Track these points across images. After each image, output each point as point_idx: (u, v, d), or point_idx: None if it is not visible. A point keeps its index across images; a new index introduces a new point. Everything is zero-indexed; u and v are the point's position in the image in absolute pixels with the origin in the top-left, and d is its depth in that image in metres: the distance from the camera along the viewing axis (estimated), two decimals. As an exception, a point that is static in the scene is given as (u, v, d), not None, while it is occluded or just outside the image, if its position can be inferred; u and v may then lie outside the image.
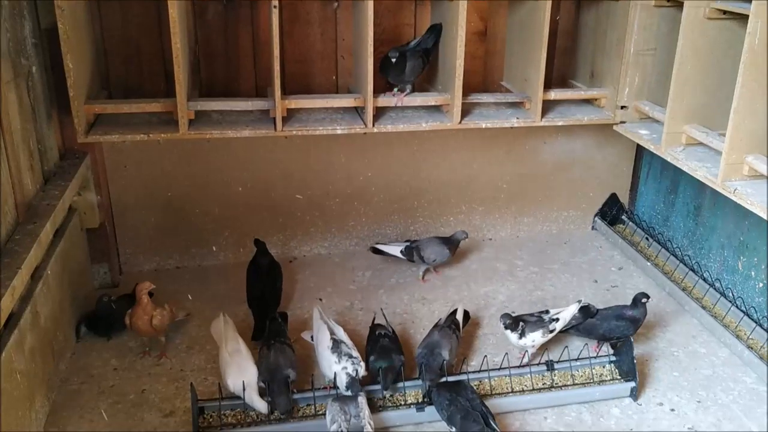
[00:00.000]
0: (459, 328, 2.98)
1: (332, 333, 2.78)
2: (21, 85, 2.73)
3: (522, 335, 2.89)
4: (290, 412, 2.63)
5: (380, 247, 3.74)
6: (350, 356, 2.66)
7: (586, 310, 3.03)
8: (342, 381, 2.59)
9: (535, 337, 2.89)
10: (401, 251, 3.64)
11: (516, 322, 2.90)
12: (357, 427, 2.40)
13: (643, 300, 3.03)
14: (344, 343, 2.74)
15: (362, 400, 2.52)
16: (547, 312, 3.01)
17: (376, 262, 3.84)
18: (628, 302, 3.07)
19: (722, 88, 2.87)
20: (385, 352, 2.77)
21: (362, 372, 2.64)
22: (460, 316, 3.04)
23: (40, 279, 2.64)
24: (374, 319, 3.07)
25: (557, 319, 2.95)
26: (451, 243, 3.62)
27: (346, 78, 3.64)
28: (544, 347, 2.99)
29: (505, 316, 2.92)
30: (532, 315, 2.99)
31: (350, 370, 2.61)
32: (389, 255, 3.71)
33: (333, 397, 2.56)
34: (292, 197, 3.76)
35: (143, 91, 3.38)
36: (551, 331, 2.92)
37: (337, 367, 2.62)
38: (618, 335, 2.98)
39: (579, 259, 3.94)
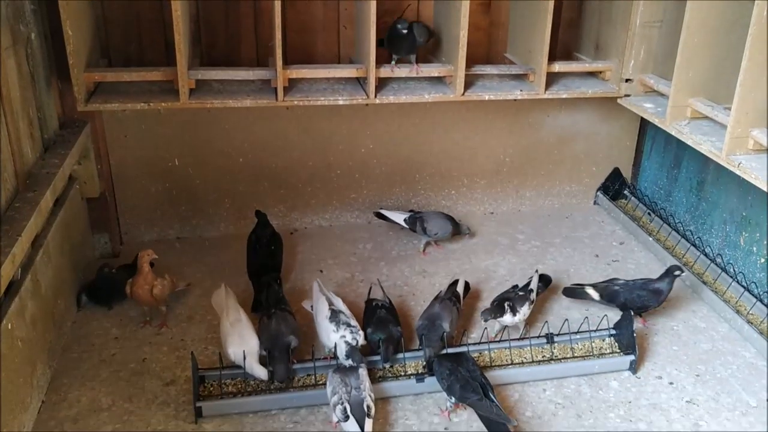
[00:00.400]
0: (459, 300, 2.98)
1: (330, 303, 2.78)
2: (20, 52, 2.70)
3: (515, 312, 2.88)
4: (289, 380, 2.64)
5: (384, 212, 3.74)
6: (349, 325, 2.66)
7: (544, 278, 3.17)
8: (341, 350, 2.59)
9: (526, 311, 2.91)
10: (405, 219, 3.64)
11: (500, 306, 2.88)
12: (357, 399, 2.41)
13: (676, 273, 3.03)
14: (342, 312, 2.74)
15: (363, 371, 2.53)
16: (516, 286, 3.04)
17: (377, 234, 3.83)
18: (629, 277, 3.07)
19: (729, 61, 2.84)
20: (382, 323, 2.78)
21: (361, 341, 2.65)
22: (460, 288, 3.04)
23: (41, 248, 2.64)
24: (370, 291, 3.07)
25: (531, 290, 2.99)
26: (455, 223, 3.62)
27: (348, 49, 3.61)
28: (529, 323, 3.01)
29: (485, 312, 2.87)
30: (508, 292, 3.00)
31: (349, 338, 2.61)
32: (392, 221, 3.71)
33: (334, 368, 2.57)
34: (293, 169, 3.74)
35: (143, 60, 3.35)
36: (532, 302, 2.96)
37: (336, 336, 2.63)
38: (639, 306, 3.01)
39: (580, 233, 3.93)
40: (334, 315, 2.71)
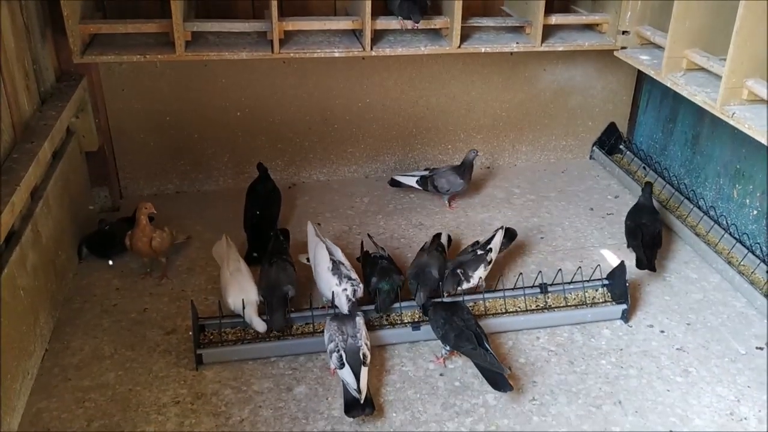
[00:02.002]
0: (445, 251, 3.02)
1: (331, 254, 2.82)
2: (13, 3, 2.69)
3: (467, 280, 2.86)
4: (286, 328, 2.69)
5: (398, 178, 3.76)
6: (350, 278, 2.70)
7: (509, 233, 3.15)
8: (342, 303, 2.64)
9: (481, 274, 2.89)
10: (416, 181, 3.67)
11: (455, 275, 2.84)
12: (353, 347, 2.46)
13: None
14: (343, 264, 2.78)
15: (360, 320, 2.58)
16: (477, 243, 3.03)
17: (374, 188, 3.86)
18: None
19: (725, 12, 2.83)
20: (386, 273, 2.81)
21: (360, 294, 2.70)
22: (444, 241, 3.08)
23: (40, 199, 2.67)
24: (362, 244, 3.11)
25: (490, 249, 2.95)
26: (464, 170, 3.60)
27: (344, 1, 3.58)
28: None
29: (447, 285, 2.83)
30: (466, 253, 2.99)
31: (350, 292, 2.66)
32: (407, 186, 3.74)
33: (331, 316, 2.62)
34: (290, 123, 3.75)
35: (138, 12, 3.32)
36: (489, 262, 2.93)
37: (338, 288, 2.67)
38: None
39: (576, 187, 3.95)
40: (336, 267, 2.74)
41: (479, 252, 2.95)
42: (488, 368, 2.48)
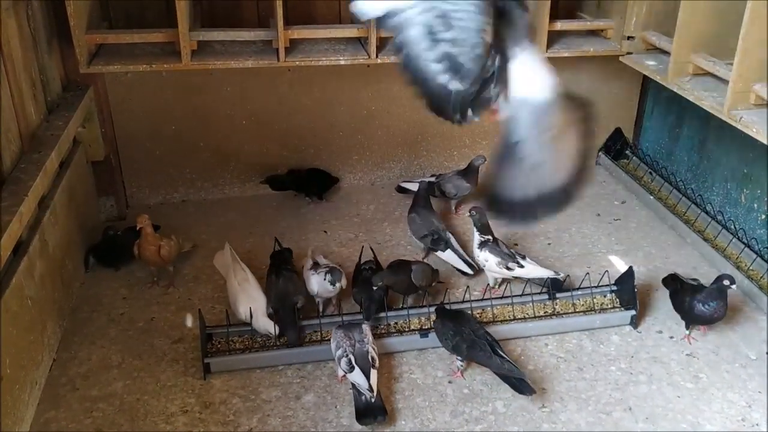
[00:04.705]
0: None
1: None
2: (21, 12, 2.70)
3: (482, 247, 2.93)
4: (300, 341, 2.70)
5: (404, 185, 3.77)
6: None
7: (555, 282, 2.93)
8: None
9: (488, 257, 2.91)
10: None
11: (485, 230, 2.96)
12: (362, 351, 2.46)
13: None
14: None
15: (366, 327, 2.57)
16: (516, 253, 2.97)
17: (380, 195, 3.86)
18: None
19: (731, 16, 2.82)
20: (365, 283, 2.81)
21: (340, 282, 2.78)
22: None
23: (47, 209, 2.67)
24: (361, 255, 3.11)
25: (522, 266, 2.90)
26: (470, 174, 3.61)
27: (349, 10, 3.58)
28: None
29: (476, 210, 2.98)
30: (505, 246, 2.99)
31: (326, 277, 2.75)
32: (414, 192, 3.71)
33: (337, 325, 2.61)
34: (295, 131, 3.75)
35: (144, 21, 3.34)
36: (508, 268, 2.89)
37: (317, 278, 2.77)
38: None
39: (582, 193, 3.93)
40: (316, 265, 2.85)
41: (506, 250, 2.95)
42: (509, 375, 2.47)
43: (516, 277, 2.95)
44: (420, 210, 3.29)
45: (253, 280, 2.80)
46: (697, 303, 2.66)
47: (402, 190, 3.79)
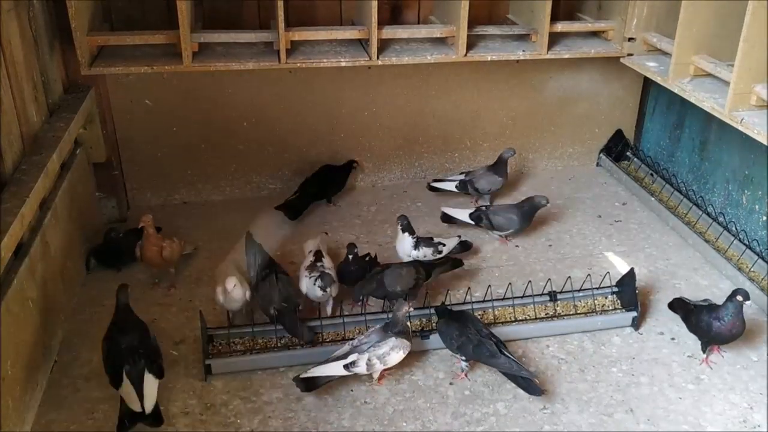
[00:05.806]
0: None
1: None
2: (22, 15, 2.71)
3: (417, 247, 3.06)
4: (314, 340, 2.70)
5: (436, 184, 3.81)
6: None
7: (464, 244, 3.26)
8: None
9: (427, 253, 3.07)
10: (456, 186, 3.71)
11: (412, 231, 3.07)
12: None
13: (542, 203, 3.32)
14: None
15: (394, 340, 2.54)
16: (434, 238, 3.17)
17: (381, 197, 3.86)
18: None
19: (732, 18, 2.82)
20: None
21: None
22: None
23: (49, 210, 2.67)
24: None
25: (444, 245, 3.14)
26: (500, 167, 3.65)
27: (350, 12, 3.59)
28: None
29: (403, 217, 3.08)
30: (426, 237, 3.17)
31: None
32: (446, 191, 3.77)
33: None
34: (297, 132, 3.75)
35: (146, 23, 3.34)
36: (439, 252, 3.11)
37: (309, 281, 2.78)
38: (507, 228, 3.37)
39: (583, 194, 3.95)
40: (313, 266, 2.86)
41: (433, 239, 3.15)
42: (518, 375, 2.47)
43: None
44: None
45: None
46: (714, 321, 2.59)
47: (433, 189, 3.82)
